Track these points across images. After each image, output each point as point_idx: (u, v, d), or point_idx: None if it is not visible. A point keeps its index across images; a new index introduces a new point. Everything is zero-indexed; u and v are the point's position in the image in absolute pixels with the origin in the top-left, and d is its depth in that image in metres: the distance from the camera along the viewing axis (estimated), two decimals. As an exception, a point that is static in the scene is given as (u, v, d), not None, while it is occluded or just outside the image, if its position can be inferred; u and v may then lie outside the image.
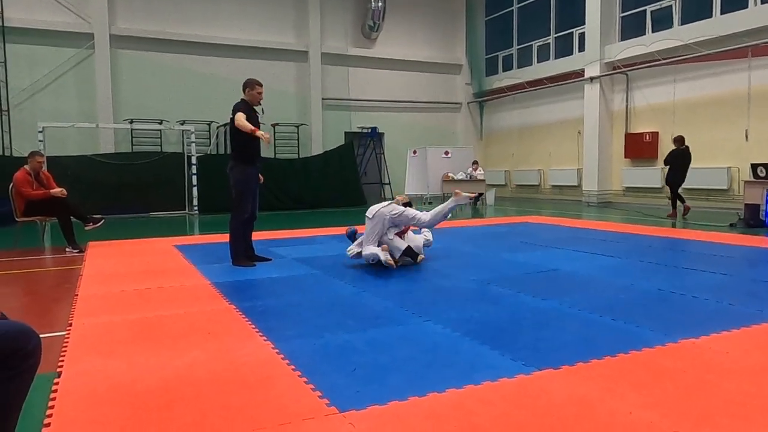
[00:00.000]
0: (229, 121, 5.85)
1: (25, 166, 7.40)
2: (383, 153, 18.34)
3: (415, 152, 17.08)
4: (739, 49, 11.84)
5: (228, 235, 5.99)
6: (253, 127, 5.49)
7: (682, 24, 13.19)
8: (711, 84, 12.67)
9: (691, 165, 10.98)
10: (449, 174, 16.01)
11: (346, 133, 17.98)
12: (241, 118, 5.50)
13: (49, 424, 2.24)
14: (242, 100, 5.83)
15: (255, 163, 5.87)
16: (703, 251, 6.49)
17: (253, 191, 5.91)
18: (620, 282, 4.84)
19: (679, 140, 11.01)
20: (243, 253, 5.96)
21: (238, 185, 5.80)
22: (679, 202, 11.00)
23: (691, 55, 12.76)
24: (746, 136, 11.98)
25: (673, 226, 9.58)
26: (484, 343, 3.17)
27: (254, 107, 5.85)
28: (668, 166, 11.12)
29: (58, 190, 7.42)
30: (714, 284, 4.69)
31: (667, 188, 11.39)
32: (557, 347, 3.10)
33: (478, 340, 3.24)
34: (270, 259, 6.17)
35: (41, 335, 1.91)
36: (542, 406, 2.35)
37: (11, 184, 7.39)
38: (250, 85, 5.86)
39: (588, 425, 2.17)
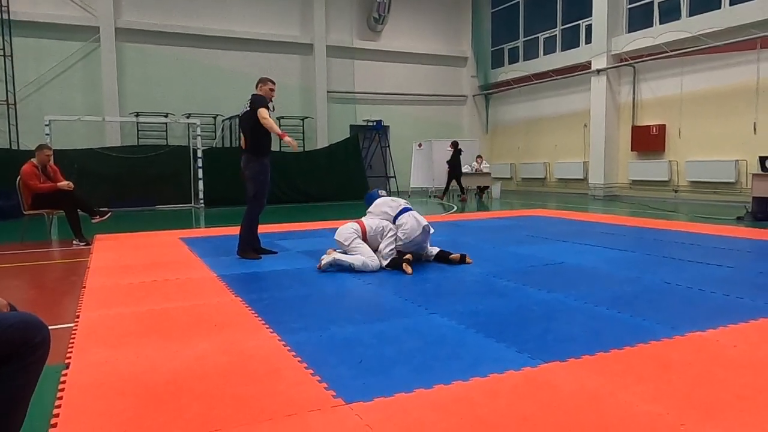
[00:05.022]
0: (242, 113, 5.92)
1: (32, 160, 7.42)
2: (388, 146, 18.31)
3: (420, 145, 17.04)
4: (748, 41, 11.73)
5: (239, 227, 6.02)
6: (281, 132, 5.70)
7: (690, 15, 13.07)
8: (719, 76, 12.57)
9: (698, 158, 12.97)
10: (455, 167, 15.95)
11: (351, 126, 17.95)
12: (266, 114, 5.60)
13: (57, 415, 2.26)
14: (257, 94, 5.87)
15: (268, 155, 5.96)
16: (710, 244, 6.45)
17: (269, 184, 6.00)
18: (627, 275, 4.82)
19: (454, 144, 14.82)
20: (251, 245, 5.99)
21: (257, 178, 5.86)
22: (460, 190, 14.96)
23: (699, 47, 12.65)
24: (754, 129, 11.88)
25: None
26: (490, 336, 3.17)
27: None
28: (450, 165, 14.77)
29: (65, 184, 7.44)
30: (721, 277, 4.66)
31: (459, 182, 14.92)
32: (564, 340, 3.10)
33: (484, 332, 3.24)
34: (276, 252, 6.18)
35: (49, 327, 1.92)
36: (548, 398, 2.35)
37: (18, 178, 7.43)
38: (263, 81, 5.96)
39: (594, 418, 2.17)
